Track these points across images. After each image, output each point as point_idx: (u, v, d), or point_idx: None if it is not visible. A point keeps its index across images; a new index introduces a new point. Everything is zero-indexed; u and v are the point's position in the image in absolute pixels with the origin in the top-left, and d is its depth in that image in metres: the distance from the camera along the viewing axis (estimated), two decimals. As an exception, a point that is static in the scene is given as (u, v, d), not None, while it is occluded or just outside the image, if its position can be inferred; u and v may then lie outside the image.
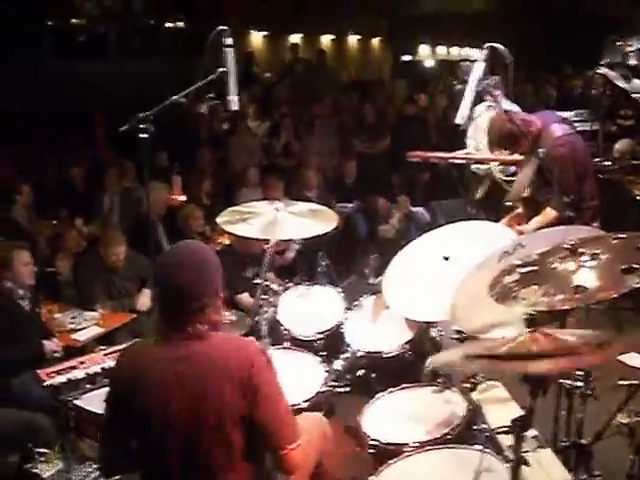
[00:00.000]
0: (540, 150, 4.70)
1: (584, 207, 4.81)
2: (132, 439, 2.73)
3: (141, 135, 3.85)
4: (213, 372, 2.61)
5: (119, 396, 2.71)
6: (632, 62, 12.35)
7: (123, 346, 4.21)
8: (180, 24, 16.50)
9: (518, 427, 2.43)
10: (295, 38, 17.64)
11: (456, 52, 24.05)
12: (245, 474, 2.70)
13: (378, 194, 8.47)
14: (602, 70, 5.28)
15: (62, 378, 3.94)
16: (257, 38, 17.45)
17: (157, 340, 2.73)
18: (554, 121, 4.98)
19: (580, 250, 2.75)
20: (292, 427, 2.75)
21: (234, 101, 4.02)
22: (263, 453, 2.78)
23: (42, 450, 3.89)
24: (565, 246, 2.78)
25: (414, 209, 8.16)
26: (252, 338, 3.08)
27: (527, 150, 4.95)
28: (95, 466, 3.74)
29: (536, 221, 4.91)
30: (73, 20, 14.39)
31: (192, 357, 2.62)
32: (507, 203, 5.32)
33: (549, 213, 4.87)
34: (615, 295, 2.62)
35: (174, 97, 3.98)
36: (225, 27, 3.92)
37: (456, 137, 7.39)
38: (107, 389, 2.85)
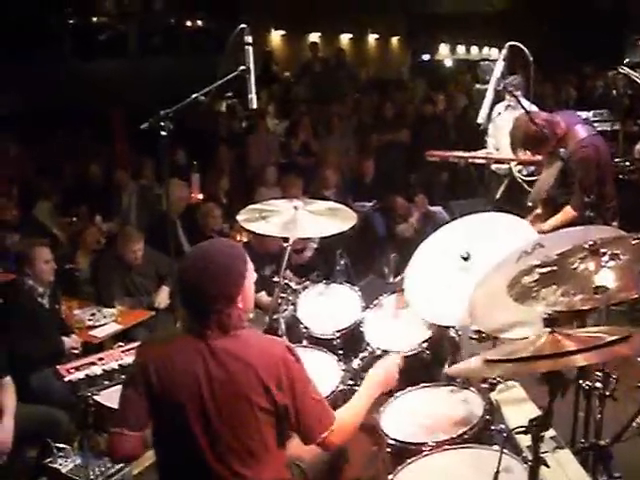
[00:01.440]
0: (562, 150, 4.68)
1: (604, 207, 4.79)
2: (149, 421, 2.74)
3: (160, 133, 3.88)
4: (242, 368, 2.63)
5: (141, 379, 2.70)
6: (653, 61, 12.29)
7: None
8: (200, 23, 16.55)
9: (536, 427, 2.42)
10: (314, 37, 17.64)
11: (475, 52, 24.01)
12: (272, 466, 2.72)
13: (396, 193, 8.45)
14: (624, 70, 5.24)
15: (80, 374, 3.97)
16: (276, 37, 17.48)
17: (184, 331, 2.77)
18: (577, 122, 4.96)
19: (600, 250, 2.74)
20: (327, 415, 2.80)
21: (253, 99, 4.03)
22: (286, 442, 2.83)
23: (61, 445, 3.92)
24: (585, 246, 2.78)
25: (433, 208, 8.12)
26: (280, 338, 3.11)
27: (551, 151, 4.93)
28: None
29: (555, 219, 4.90)
30: (93, 19, 14.46)
31: (221, 352, 2.65)
32: (529, 204, 5.30)
33: (568, 212, 4.86)
34: (636, 295, 2.61)
35: (194, 95, 3.99)
36: (245, 25, 3.93)
37: (475, 137, 7.38)
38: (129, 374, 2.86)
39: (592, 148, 4.79)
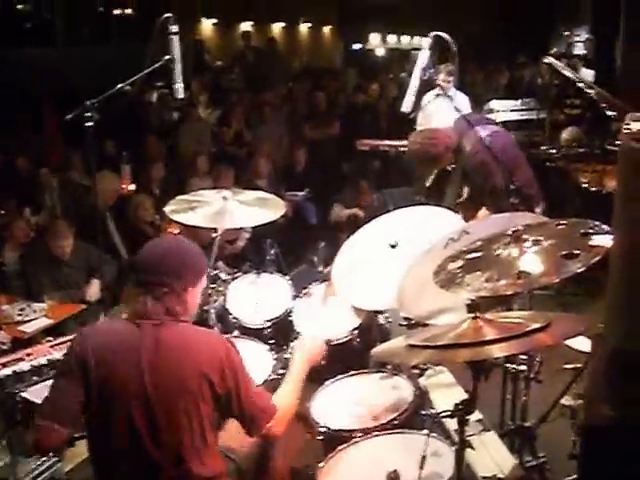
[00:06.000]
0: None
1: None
2: (80, 415, 2.67)
3: (86, 123, 3.82)
4: (185, 360, 2.62)
5: (79, 371, 2.62)
6: (578, 52, 12.59)
7: (71, 337, 4.20)
8: (129, 11, 16.27)
9: (461, 411, 2.47)
10: (246, 26, 17.53)
11: (407, 41, 24.15)
12: (212, 459, 2.72)
13: (329, 182, 8.46)
14: (548, 60, 5.33)
15: (7, 370, 3.89)
16: (207, 26, 17.30)
17: (125, 320, 2.73)
18: (469, 127, 4.83)
19: (523, 236, 2.80)
20: (269, 405, 2.83)
21: (180, 89, 3.99)
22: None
23: (-12, 445, 3.84)
24: (509, 232, 2.83)
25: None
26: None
27: (448, 163, 5.00)
28: (43, 459, 3.71)
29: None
30: (18, 6, 14.13)
31: (164, 343, 2.62)
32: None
33: (483, 214, 4.86)
34: (557, 280, 2.67)
35: (119, 85, 3.94)
36: (170, 14, 3.89)
37: (406, 126, 7.44)
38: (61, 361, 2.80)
39: (482, 153, 4.62)
